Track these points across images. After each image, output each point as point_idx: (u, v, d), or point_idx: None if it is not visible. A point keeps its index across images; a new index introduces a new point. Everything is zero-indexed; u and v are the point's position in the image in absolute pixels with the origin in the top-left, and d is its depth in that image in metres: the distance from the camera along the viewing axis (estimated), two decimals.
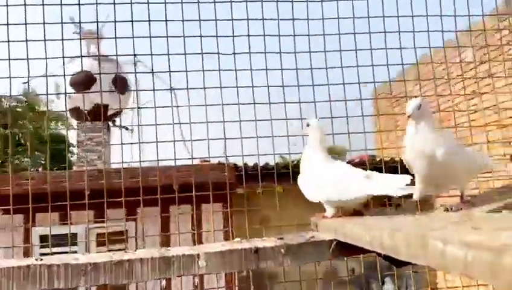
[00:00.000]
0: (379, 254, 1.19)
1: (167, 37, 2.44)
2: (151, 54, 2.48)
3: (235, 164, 4.75)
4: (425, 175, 1.35)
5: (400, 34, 2.47)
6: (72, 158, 7.04)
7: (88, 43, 5.30)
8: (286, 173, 2.46)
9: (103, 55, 4.78)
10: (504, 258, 0.50)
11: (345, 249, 1.18)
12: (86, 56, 4.07)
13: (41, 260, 1.16)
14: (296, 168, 2.77)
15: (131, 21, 2.44)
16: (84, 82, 4.62)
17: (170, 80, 2.53)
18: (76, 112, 5.05)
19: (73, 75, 4.98)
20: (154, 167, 2.95)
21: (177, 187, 3.01)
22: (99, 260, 1.14)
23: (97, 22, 2.53)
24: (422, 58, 3.15)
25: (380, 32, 2.51)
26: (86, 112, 4.60)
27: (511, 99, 2.87)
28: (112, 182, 3.14)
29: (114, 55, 2.68)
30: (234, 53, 2.38)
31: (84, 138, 5.08)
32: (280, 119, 2.37)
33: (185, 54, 2.44)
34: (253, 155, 2.47)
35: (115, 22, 2.46)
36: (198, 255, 1.17)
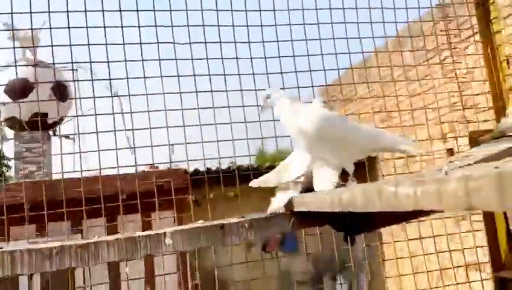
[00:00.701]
0: (334, 226, 1.25)
1: (106, 44, 2.37)
2: (90, 62, 2.40)
3: (185, 170, 4.66)
4: (306, 149, 1.42)
5: (347, 36, 2.61)
6: (7, 172, 6.51)
7: (24, 49, 5.02)
8: (244, 176, 2.46)
9: (42, 62, 4.55)
10: (447, 185, 0.56)
11: (303, 221, 1.24)
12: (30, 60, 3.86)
13: (1, 248, 1.10)
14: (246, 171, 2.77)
15: (68, 28, 2.34)
16: (20, 90, 4.35)
17: (111, 87, 2.46)
18: (12, 121, 4.73)
19: (7, 82, 4.69)
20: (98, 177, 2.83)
21: (124, 196, 2.91)
22: (64, 244, 1.12)
23: (31, 28, 2.40)
24: (368, 59, 3.34)
25: (329, 39, 2.63)
26: (24, 121, 4.33)
27: (447, 98, 3.11)
28: (56, 193, 2.96)
29: (51, 63, 2.54)
30: (176, 58, 2.37)
31: (22, 149, 4.77)
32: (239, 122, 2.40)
33: (125, 60, 2.38)
34: (213, 159, 2.47)
35: (50, 28, 2.35)
36: (164, 233, 1.19)
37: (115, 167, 2.44)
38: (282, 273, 3.76)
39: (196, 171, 4.96)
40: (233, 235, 1.21)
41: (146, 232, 1.21)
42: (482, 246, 2.56)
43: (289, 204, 1.26)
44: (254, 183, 1.51)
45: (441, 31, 2.85)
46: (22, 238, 3.59)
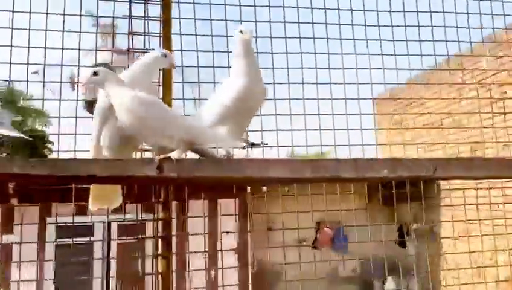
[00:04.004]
0: None
1: (196, 35, 2.47)
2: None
3: None
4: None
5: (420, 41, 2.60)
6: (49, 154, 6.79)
7: (104, 37, 5.36)
8: None
9: (120, 48, 4.83)
10: None
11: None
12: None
13: None
14: None
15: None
16: None
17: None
18: (89, 103, 5.08)
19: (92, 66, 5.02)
20: None
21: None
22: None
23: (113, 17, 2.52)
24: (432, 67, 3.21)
25: (389, 40, 2.60)
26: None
27: None
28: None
29: (143, 50, 2.61)
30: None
31: None
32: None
33: (227, 52, 2.43)
34: None
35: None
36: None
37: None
38: (330, 270, 3.80)
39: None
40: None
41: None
42: None
43: None
44: None
45: None
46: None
